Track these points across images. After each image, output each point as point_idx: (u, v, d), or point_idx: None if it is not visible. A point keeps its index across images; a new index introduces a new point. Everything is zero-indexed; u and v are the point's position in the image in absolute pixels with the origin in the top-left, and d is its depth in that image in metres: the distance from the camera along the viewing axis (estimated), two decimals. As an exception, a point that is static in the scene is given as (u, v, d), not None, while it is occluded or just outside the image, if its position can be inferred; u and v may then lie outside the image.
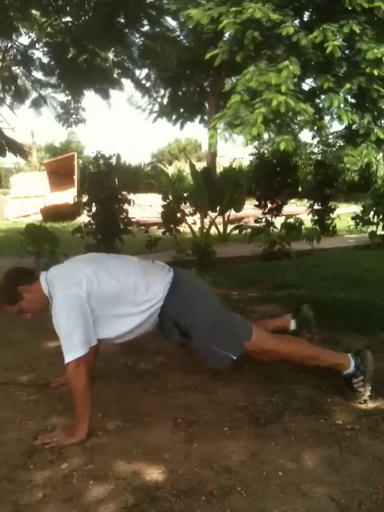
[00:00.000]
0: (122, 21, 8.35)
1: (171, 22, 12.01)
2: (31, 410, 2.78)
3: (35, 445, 2.41)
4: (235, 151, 18.81)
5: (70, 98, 10.56)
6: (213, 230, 9.49)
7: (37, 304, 2.66)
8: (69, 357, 2.44)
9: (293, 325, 3.19)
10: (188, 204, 9.08)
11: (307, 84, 3.85)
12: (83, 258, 2.92)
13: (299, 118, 3.61)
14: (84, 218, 7.79)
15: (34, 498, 2.04)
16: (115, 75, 10.27)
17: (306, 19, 3.94)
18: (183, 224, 8.91)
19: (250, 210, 11.47)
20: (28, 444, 2.42)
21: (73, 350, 2.44)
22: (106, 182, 6.79)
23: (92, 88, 10.09)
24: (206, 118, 19.15)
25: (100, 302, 2.57)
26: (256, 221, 10.28)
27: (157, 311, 2.70)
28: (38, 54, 9.93)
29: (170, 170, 18.84)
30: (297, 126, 3.79)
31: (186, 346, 2.92)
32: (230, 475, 2.16)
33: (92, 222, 6.87)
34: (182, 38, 15.47)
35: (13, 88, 10.11)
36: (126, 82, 11.61)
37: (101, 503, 1.99)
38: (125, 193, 6.94)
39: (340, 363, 2.82)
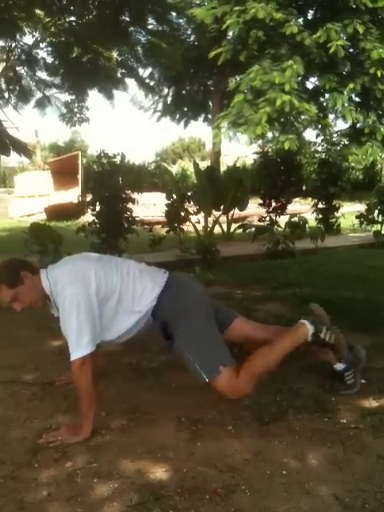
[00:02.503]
0: (127, 19, 8.36)
1: (176, 20, 11.97)
2: (36, 409, 2.79)
3: (40, 443, 2.42)
4: (239, 150, 18.70)
5: (73, 97, 10.58)
6: (217, 229, 9.48)
7: (33, 295, 2.60)
8: (76, 354, 2.44)
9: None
10: (192, 203, 9.08)
11: (311, 83, 3.85)
12: (86, 257, 2.91)
13: (303, 117, 3.61)
14: (88, 217, 7.80)
15: (39, 496, 2.05)
16: (119, 75, 10.27)
17: (309, 18, 3.93)
18: (187, 223, 8.92)
19: (254, 209, 11.46)
20: (32, 442, 2.43)
21: (81, 347, 2.44)
22: (110, 181, 6.80)
23: (96, 88, 10.10)
24: (209, 116, 19.08)
25: (104, 299, 2.58)
26: (260, 219, 10.27)
27: (150, 310, 2.67)
28: (42, 53, 10.00)
29: (174, 169, 18.79)
30: (301, 125, 3.79)
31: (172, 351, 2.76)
32: (234, 474, 2.16)
33: (96, 221, 6.88)
34: (186, 36, 15.46)
35: (17, 88, 10.13)
36: (130, 82, 11.63)
37: (105, 502, 2.00)
38: (129, 192, 6.94)
39: (301, 336, 2.68)
